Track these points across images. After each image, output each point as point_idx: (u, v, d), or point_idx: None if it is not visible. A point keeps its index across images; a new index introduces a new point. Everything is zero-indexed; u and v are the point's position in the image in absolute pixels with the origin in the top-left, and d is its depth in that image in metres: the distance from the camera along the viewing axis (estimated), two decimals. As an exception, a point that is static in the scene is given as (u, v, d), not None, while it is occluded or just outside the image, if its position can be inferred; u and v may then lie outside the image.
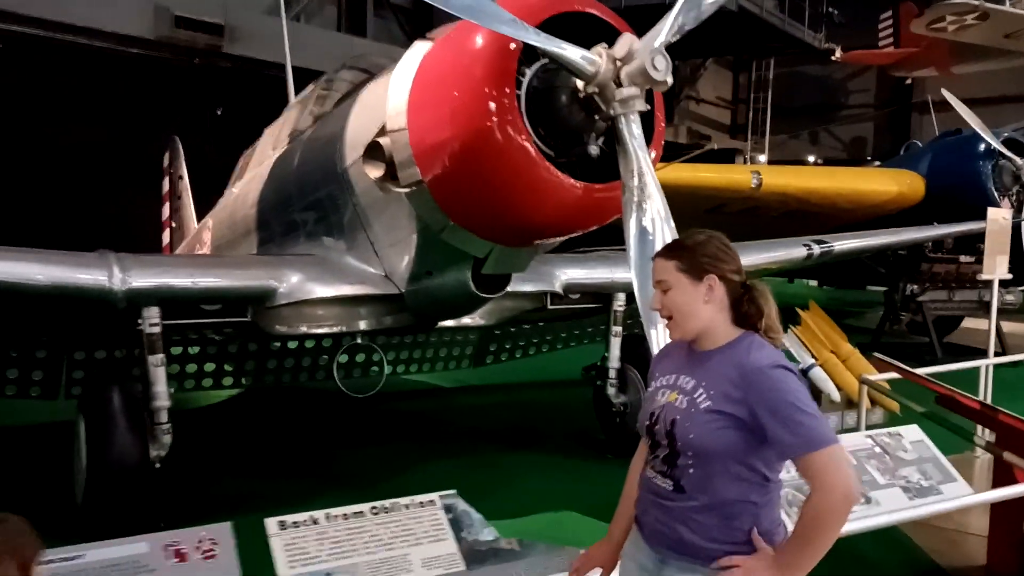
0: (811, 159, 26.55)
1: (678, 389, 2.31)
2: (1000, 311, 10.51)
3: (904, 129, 26.28)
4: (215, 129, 13.84)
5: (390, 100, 4.38)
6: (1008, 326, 11.92)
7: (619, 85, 3.72)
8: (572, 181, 3.98)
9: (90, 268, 4.57)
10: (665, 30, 3.72)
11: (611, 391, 6.38)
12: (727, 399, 2.18)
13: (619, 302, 6.32)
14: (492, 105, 3.84)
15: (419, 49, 4.38)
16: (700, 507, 2.22)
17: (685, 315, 2.31)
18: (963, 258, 11.22)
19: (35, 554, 1.77)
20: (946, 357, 10.13)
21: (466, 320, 5.80)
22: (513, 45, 3.86)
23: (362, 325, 5.41)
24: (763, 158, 26.95)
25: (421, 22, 17.10)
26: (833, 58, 24.88)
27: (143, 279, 4.65)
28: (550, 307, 6.00)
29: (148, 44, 13.19)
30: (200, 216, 10.23)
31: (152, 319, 4.68)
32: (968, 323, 13.12)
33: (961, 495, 3.49)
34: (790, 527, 2.33)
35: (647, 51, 3.63)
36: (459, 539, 2.56)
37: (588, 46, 3.74)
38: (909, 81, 25.87)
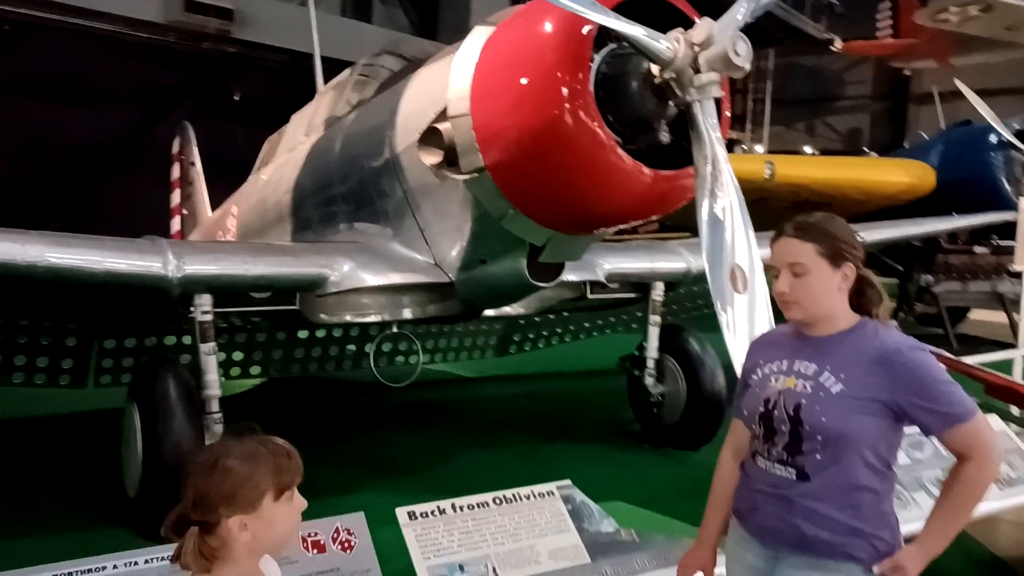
0: (807, 150, 26.55)
1: (795, 374, 2.28)
2: (1013, 302, 10.59)
3: (901, 121, 26.36)
4: (227, 114, 13.68)
5: (451, 85, 4.29)
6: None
7: (696, 71, 3.67)
8: (643, 168, 3.93)
9: (144, 255, 4.46)
10: (742, 12, 3.67)
11: (649, 381, 6.32)
12: (863, 383, 2.18)
13: (658, 291, 6.26)
14: (565, 91, 3.77)
15: (481, 33, 4.30)
16: (824, 495, 2.20)
17: (816, 301, 2.28)
18: (977, 249, 11.26)
19: (292, 481, 1.72)
20: (961, 348, 10.17)
21: (507, 309, 5.74)
22: (586, 30, 3.80)
23: (406, 314, 5.32)
24: (760, 148, 26.92)
25: (426, 9, 16.96)
26: (833, 48, 24.85)
27: (197, 266, 4.55)
28: (590, 296, 5.95)
29: (157, 28, 13.00)
30: (214, 203, 10.12)
31: (204, 307, 4.58)
32: (974, 314, 13.19)
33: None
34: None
35: (727, 36, 3.57)
36: (580, 530, 2.53)
37: (651, 27, 3.67)
38: (908, 72, 25.89)
